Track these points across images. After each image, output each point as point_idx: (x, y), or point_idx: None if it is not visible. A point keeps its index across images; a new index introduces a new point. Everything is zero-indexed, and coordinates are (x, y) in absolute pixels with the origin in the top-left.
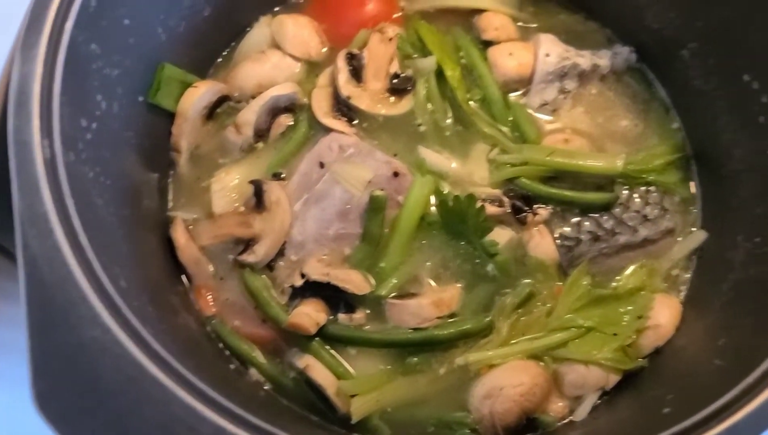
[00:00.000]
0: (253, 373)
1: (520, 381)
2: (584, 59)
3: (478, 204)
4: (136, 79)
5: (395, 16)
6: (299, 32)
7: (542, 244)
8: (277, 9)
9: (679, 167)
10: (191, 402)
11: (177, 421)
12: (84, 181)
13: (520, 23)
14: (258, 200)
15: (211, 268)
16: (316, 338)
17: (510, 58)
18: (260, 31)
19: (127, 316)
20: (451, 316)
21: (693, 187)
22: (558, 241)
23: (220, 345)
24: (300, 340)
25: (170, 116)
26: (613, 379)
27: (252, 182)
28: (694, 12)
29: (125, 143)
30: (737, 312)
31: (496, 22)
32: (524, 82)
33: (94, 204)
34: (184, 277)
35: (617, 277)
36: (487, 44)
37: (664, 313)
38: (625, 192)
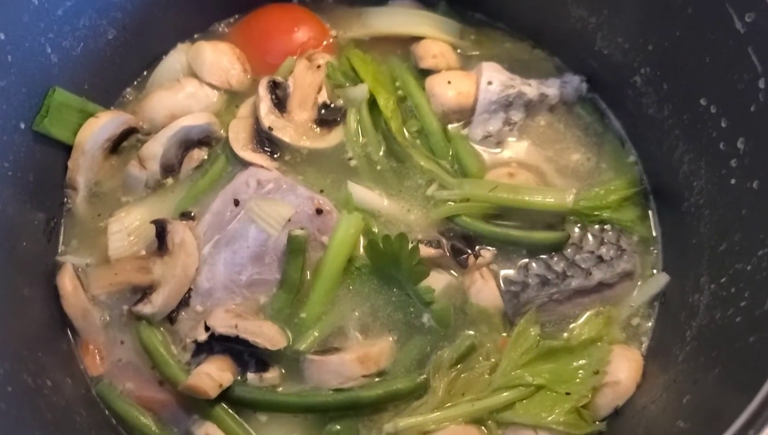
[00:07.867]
0: None
1: None
2: (531, 88)
3: (412, 244)
4: (14, 103)
5: (326, 43)
6: (218, 59)
7: (485, 289)
8: (196, 36)
9: (636, 203)
10: None
11: None
12: None
13: (460, 51)
14: (160, 242)
15: (104, 320)
16: (221, 403)
17: (449, 87)
18: (176, 58)
19: None
20: (380, 374)
21: (652, 225)
22: (502, 287)
23: (106, 412)
24: (201, 405)
25: (67, 149)
26: None
27: (154, 222)
28: (644, 34)
29: None
30: (702, 363)
31: (434, 50)
32: (465, 113)
33: None
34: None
35: (570, 327)
36: (426, 73)
37: (624, 368)
38: (578, 231)
